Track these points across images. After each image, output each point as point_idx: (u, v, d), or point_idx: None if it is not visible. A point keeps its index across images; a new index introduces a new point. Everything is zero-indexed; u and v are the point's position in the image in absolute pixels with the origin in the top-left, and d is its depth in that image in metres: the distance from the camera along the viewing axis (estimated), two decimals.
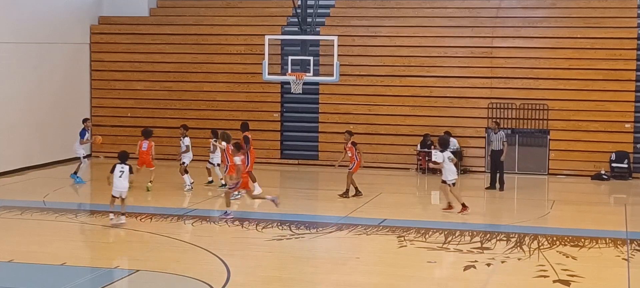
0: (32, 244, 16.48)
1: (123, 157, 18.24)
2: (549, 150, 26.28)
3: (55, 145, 27.17)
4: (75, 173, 23.78)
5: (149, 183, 22.25)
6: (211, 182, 23.17)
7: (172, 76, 28.78)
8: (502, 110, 26.47)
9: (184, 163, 22.71)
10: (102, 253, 16.32)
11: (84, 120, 24.42)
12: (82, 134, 23.83)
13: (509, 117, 26.44)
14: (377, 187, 23.10)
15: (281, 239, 17.00)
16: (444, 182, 19.85)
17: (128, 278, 14.06)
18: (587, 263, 15.31)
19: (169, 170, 24.68)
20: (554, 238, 17.05)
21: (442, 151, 19.98)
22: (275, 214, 19.17)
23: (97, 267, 15.07)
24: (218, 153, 22.53)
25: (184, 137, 23.06)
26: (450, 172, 19.81)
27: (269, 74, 22.97)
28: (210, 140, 22.93)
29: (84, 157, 24.11)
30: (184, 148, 22.86)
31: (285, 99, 28.15)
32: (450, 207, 19.74)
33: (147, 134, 22.62)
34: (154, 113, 28.77)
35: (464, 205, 19.52)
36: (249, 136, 22.02)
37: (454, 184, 19.92)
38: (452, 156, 20.13)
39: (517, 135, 26.21)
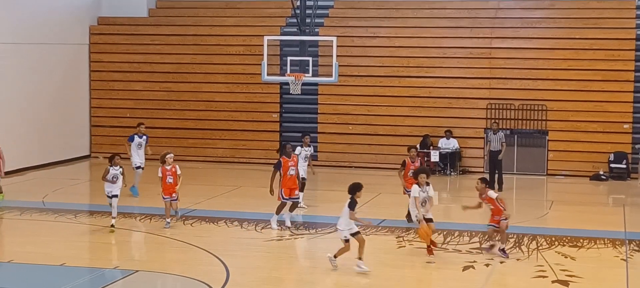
0: (31, 244, 16.49)
1: None
2: (548, 150, 26.31)
3: (54, 145, 27.19)
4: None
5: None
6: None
7: (171, 77, 28.79)
8: (500, 110, 26.50)
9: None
10: (102, 253, 16.34)
11: (138, 125, 22.24)
12: (130, 138, 21.91)
13: (508, 117, 26.46)
14: (376, 187, 23.11)
15: (281, 239, 17.03)
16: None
17: (127, 279, 14.07)
18: (585, 264, 15.34)
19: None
20: (553, 239, 17.08)
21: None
22: (274, 214, 19.16)
23: (96, 268, 15.09)
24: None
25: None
26: None
27: (268, 74, 22.94)
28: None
29: (136, 167, 21.46)
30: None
31: (284, 100, 28.16)
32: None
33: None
34: (153, 113, 28.77)
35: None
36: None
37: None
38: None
39: (515, 136, 26.23)
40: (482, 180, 16.45)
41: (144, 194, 21.66)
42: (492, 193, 16.10)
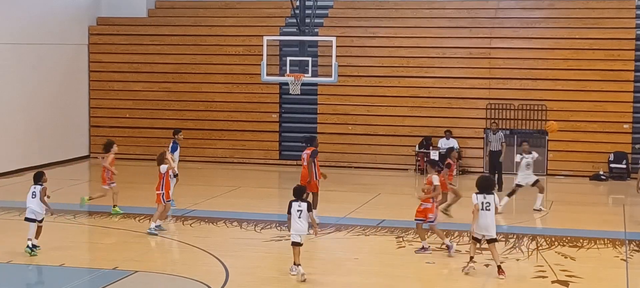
0: None
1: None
2: (548, 150, 26.29)
3: (53, 145, 27.17)
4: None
5: None
6: None
7: (171, 77, 28.77)
8: (500, 110, 26.48)
9: None
10: (101, 254, 16.31)
11: (175, 132, 21.16)
12: (173, 148, 20.32)
13: (508, 117, 26.44)
14: (375, 188, 23.09)
15: (280, 240, 16.99)
16: None
17: (127, 279, 14.05)
18: (585, 264, 15.32)
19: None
20: (553, 239, 17.06)
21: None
22: (273, 215, 19.17)
23: (95, 268, 15.06)
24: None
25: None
26: None
27: (267, 74, 22.93)
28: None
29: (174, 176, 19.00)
30: None
31: (284, 100, 28.14)
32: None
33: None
34: (152, 114, 28.75)
35: None
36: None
37: None
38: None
39: (515, 136, 26.21)
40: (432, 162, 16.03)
41: (145, 195, 21.73)
42: (436, 179, 15.52)
